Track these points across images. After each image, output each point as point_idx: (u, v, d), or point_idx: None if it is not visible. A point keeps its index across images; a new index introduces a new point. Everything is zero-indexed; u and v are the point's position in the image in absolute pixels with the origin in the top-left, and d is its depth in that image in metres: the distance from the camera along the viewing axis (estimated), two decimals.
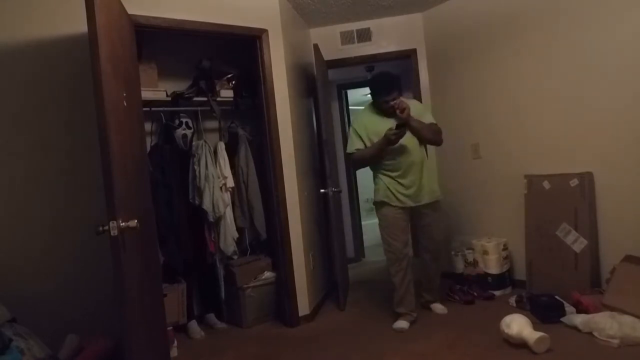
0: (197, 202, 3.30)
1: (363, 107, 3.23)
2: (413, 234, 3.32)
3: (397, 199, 2.99)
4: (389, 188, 3.00)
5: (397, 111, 2.87)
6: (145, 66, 3.15)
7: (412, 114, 2.91)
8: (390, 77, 3.00)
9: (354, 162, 3.15)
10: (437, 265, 3.23)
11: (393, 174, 2.99)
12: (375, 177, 3.12)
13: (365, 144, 3.02)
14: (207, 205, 3.27)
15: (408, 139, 2.93)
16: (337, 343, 2.96)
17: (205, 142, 3.37)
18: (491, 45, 3.71)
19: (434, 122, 3.08)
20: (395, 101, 2.90)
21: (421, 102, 3.90)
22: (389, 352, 2.70)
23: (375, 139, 2.94)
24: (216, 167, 3.35)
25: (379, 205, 3.08)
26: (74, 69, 2.57)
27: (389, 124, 2.88)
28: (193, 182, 3.32)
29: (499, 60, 3.67)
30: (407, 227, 3.09)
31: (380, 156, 2.97)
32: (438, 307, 3.26)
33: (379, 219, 3.10)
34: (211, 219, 3.32)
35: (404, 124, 2.78)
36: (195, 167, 3.30)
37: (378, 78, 3.10)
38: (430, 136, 3.03)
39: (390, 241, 3.03)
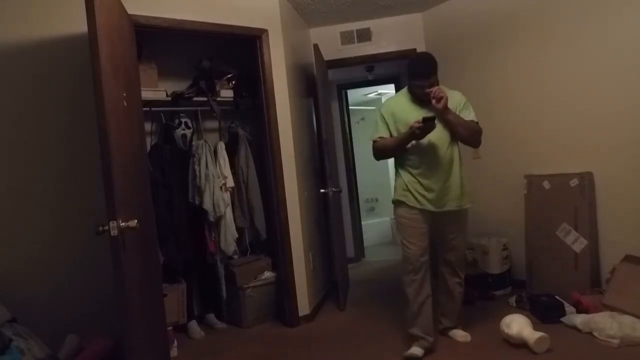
0: (197, 201, 3.29)
1: (397, 93, 2.79)
2: (431, 245, 2.90)
3: (416, 199, 2.59)
4: (407, 186, 2.61)
5: (433, 100, 2.45)
6: (145, 66, 3.15)
7: (450, 105, 2.51)
8: (432, 60, 2.57)
9: (375, 152, 2.75)
10: (458, 282, 2.77)
11: (414, 171, 2.60)
12: (396, 171, 2.75)
13: (391, 133, 2.65)
14: (207, 205, 3.26)
15: (438, 134, 2.51)
16: (337, 343, 2.96)
17: (205, 141, 3.37)
18: (491, 45, 3.71)
19: (476, 119, 2.63)
20: (432, 88, 2.46)
21: None
22: (388, 352, 2.70)
23: (403, 129, 2.54)
24: (216, 166, 3.35)
25: (396, 204, 2.72)
26: (74, 69, 2.57)
27: (422, 114, 2.47)
28: (193, 182, 3.32)
29: (499, 60, 3.67)
30: (427, 233, 2.64)
31: (404, 149, 2.59)
32: (459, 334, 2.79)
33: (395, 219, 2.76)
34: (211, 219, 3.32)
35: (433, 118, 2.35)
36: (196, 166, 3.30)
37: (417, 58, 2.73)
38: (466, 134, 2.59)
39: (406, 246, 2.64)
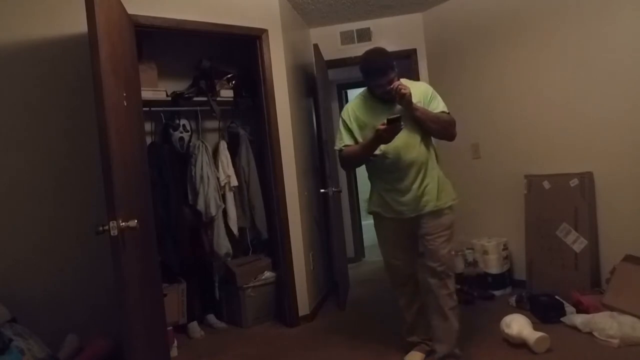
0: (191, 202, 3.33)
1: (357, 95, 2.56)
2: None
3: (393, 209, 2.39)
4: (382, 195, 2.43)
5: (397, 98, 2.22)
6: (145, 66, 3.15)
7: (416, 99, 2.28)
8: (387, 54, 2.35)
9: (342, 162, 2.53)
10: (448, 295, 2.37)
11: (388, 177, 2.38)
12: (369, 179, 2.56)
13: (356, 139, 2.41)
14: (200, 205, 3.29)
15: (408, 133, 2.28)
16: (337, 343, 2.96)
17: (202, 142, 3.38)
18: (491, 45, 3.71)
19: (446, 110, 2.38)
20: (393, 85, 2.22)
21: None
22: (388, 352, 2.70)
23: (370, 134, 2.28)
24: (211, 167, 3.37)
25: (373, 215, 2.54)
26: (74, 69, 2.57)
27: (387, 114, 2.23)
28: (191, 183, 3.33)
29: (499, 60, 3.67)
30: (411, 243, 2.46)
31: (371, 155, 2.35)
32: None
33: (376, 232, 2.58)
34: (204, 219, 3.34)
35: (399, 118, 2.10)
36: (192, 167, 3.32)
37: (370, 56, 2.38)
38: (438, 128, 2.34)
39: (388, 260, 2.51)
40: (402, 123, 2.12)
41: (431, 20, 4.18)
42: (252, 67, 3.46)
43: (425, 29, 4.24)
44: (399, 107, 2.29)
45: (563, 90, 3.27)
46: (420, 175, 2.35)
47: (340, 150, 2.46)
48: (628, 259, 2.83)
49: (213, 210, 3.31)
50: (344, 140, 2.44)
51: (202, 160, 3.31)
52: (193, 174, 3.31)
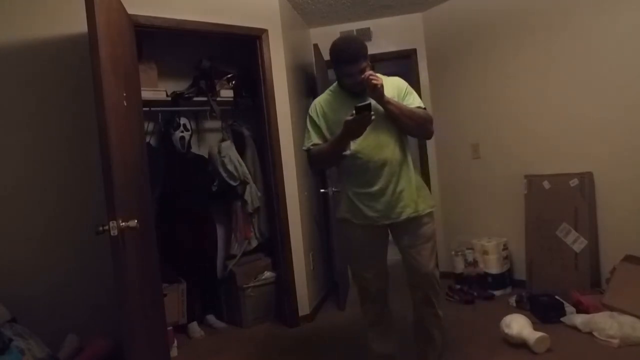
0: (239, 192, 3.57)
1: (326, 90, 2.30)
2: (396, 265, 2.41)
3: (364, 215, 2.11)
4: (353, 200, 2.14)
5: (367, 89, 1.98)
6: (145, 66, 3.15)
7: (390, 94, 2.07)
8: (359, 42, 2.15)
9: (310, 162, 2.27)
10: (434, 314, 2.19)
11: (359, 180, 2.12)
12: (339, 183, 2.31)
13: (325, 138, 2.16)
14: (247, 197, 3.53)
15: (381, 130, 2.05)
16: (337, 343, 2.96)
17: (231, 142, 3.55)
18: (491, 45, 3.71)
19: (422, 105, 2.17)
20: (364, 75, 1.99)
21: None
22: None
23: (335, 127, 2.08)
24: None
25: (340, 222, 2.24)
26: (74, 69, 2.57)
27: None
28: (227, 175, 3.49)
29: (499, 60, 3.67)
30: (383, 253, 2.21)
31: (341, 153, 2.09)
32: None
33: (341, 242, 2.34)
34: (250, 210, 3.57)
35: (369, 105, 1.84)
36: (229, 167, 3.46)
37: (341, 42, 2.18)
38: (413, 124, 2.08)
39: (358, 273, 2.22)
40: (372, 112, 1.85)
41: (431, 20, 4.18)
42: (252, 67, 3.46)
43: (425, 29, 4.24)
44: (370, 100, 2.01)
45: (563, 90, 3.27)
46: (395, 178, 2.09)
47: (308, 150, 2.21)
48: (628, 259, 2.84)
49: (256, 202, 3.58)
50: (311, 139, 2.19)
51: (238, 158, 3.52)
52: (232, 170, 3.47)
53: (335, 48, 2.12)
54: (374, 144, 2.07)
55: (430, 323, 2.21)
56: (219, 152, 3.47)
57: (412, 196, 2.11)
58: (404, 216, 2.10)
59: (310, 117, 2.23)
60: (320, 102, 2.24)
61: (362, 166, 2.09)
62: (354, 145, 2.06)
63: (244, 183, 3.53)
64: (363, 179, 2.11)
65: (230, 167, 3.46)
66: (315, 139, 2.18)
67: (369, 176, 2.09)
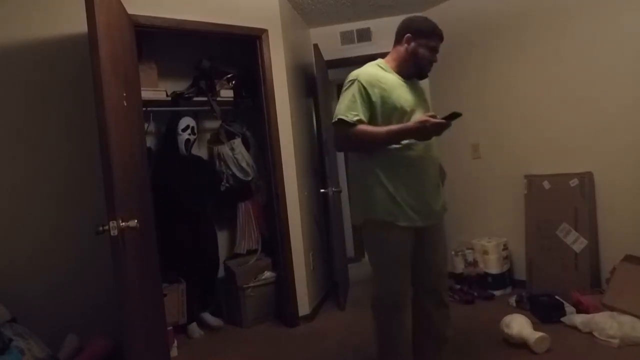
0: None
1: (367, 64, 2.04)
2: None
3: (408, 216, 1.89)
4: (396, 198, 1.88)
5: (438, 131, 1.82)
6: (145, 66, 3.15)
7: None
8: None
9: (346, 140, 1.92)
10: (446, 315, 2.09)
11: (404, 178, 1.89)
12: (366, 177, 1.95)
13: (378, 117, 1.89)
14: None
15: None
16: (337, 343, 2.96)
17: (241, 140, 3.59)
18: (491, 45, 3.71)
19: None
20: (442, 122, 1.82)
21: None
22: None
23: (391, 114, 1.88)
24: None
25: (377, 226, 1.93)
26: (74, 69, 2.57)
27: (414, 95, 1.94)
28: (241, 172, 3.55)
29: (499, 60, 3.67)
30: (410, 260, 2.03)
31: (390, 144, 1.88)
32: None
33: (377, 249, 1.99)
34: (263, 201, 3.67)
35: (459, 115, 1.77)
36: (242, 164, 3.52)
37: (429, 21, 2.14)
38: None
39: (397, 287, 1.97)
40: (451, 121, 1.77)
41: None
42: (252, 67, 3.46)
43: None
44: (421, 86, 2.00)
45: (563, 90, 3.27)
46: (437, 178, 2.02)
47: (353, 125, 1.86)
48: (628, 259, 2.84)
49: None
50: (359, 114, 1.86)
51: (247, 153, 3.59)
52: (245, 166, 3.55)
53: (429, 22, 2.03)
54: (432, 140, 1.94)
55: (445, 324, 2.10)
56: (232, 149, 3.53)
57: (443, 198, 2.06)
58: (439, 219, 2.02)
59: (361, 84, 1.90)
60: (372, 72, 1.96)
61: (415, 160, 1.90)
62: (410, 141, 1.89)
63: (255, 178, 3.62)
64: (410, 178, 1.90)
65: (243, 164, 3.54)
66: (362, 114, 1.87)
67: (416, 174, 1.91)
